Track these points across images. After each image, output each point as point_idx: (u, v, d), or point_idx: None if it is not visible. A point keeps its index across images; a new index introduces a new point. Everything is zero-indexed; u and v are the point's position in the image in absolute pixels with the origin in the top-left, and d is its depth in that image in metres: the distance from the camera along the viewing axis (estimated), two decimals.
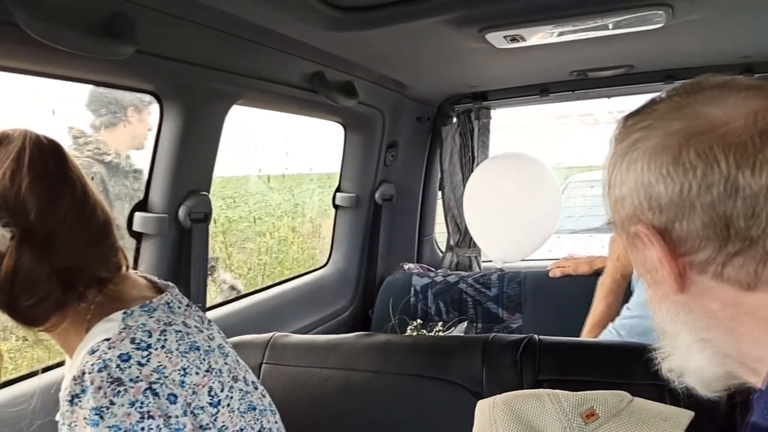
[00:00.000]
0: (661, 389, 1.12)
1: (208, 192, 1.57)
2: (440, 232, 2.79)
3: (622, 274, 1.63)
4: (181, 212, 1.49)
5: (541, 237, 2.30)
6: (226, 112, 1.57)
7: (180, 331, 0.89)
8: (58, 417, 0.82)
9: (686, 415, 1.01)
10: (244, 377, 1.00)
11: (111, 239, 0.93)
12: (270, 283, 2.14)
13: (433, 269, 2.50)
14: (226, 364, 0.95)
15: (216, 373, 0.91)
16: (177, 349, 0.86)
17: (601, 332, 1.50)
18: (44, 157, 0.87)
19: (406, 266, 2.47)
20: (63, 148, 0.92)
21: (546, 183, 2.30)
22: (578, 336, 2.02)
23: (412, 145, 2.51)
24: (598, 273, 2.09)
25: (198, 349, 0.90)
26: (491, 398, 1.09)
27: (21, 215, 0.82)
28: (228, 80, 1.49)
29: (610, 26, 1.47)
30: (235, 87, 1.54)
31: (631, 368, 1.16)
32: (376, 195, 2.39)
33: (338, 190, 2.37)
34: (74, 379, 0.78)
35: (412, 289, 2.30)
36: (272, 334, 1.45)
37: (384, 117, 2.25)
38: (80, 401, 0.76)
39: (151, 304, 0.91)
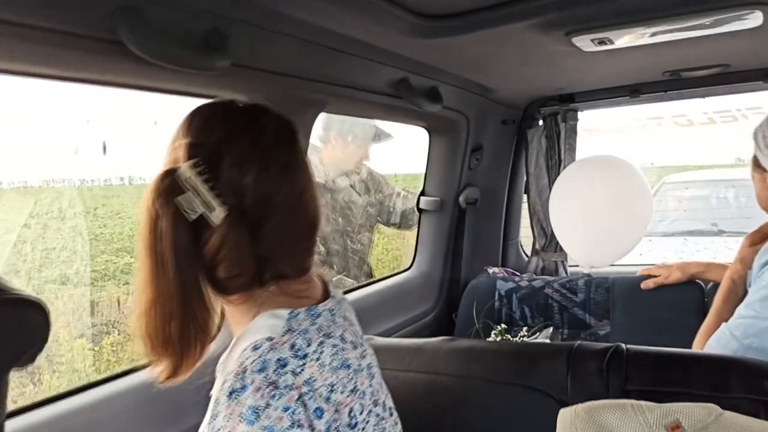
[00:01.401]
0: (756, 404, 1.08)
1: None
2: (525, 236, 2.76)
3: (740, 276, 1.55)
4: None
5: (630, 242, 2.23)
6: (314, 119, 1.62)
7: (336, 346, 0.89)
8: (212, 392, 0.87)
9: None
10: (384, 402, 1.00)
11: (311, 241, 0.96)
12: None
13: (518, 273, 2.47)
14: (370, 386, 0.95)
15: (359, 394, 0.91)
16: (330, 364, 0.87)
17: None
18: (278, 142, 0.91)
19: (491, 270, 2.46)
20: (297, 132, 0.96)
21: (635, 185, 2.23)
22: (670, 345, 1.96)
23: (497, 149, 2.50)
24: (692, 280, 2.02)
25: (349, 367, 0.90)
26: (573, 407, 1.08)
27: (240, 196, 0.86)
28: (316, 89, 1.54)
29: (703, 26, 1.41)
30: (322, 95, 1.58)
31: (726, 381, 1.12)
32: (461, 198, 2.39)
33: (422, 194, 2.39)
34: (236, 374, 0.80)
35: (497, 293, 2.29)
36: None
37: (468, 121, 2.25)
38: (239, 397, 0.78)
39: (317, 308, 0.92)
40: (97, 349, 3.17)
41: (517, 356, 1.33)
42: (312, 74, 1.50)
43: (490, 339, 2.08)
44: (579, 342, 1.29)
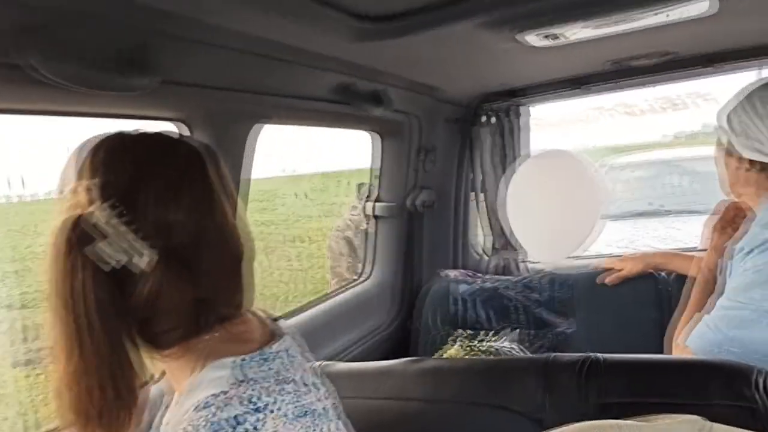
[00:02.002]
0: (742, 410, 1.03)
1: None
2: (480, 235, 2.71)
3: (716, 265, 1.52)
4: None
5: (586, 236, 2.20)
6: (256, 133, 1.52)
7: (298, 391, 0.80)
8: None
9: None
10: None
11: (241, 274, 0.85)
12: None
13: (477, 274, 2.42)
14: (338, 429, 0.86)
15: None
16: (292, 413, 0.77)
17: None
18: (199, 172, 0.81)
19: (448, 273, 2.40)
20: (218, 158, 0.85)
21: (587, 178, 2.20)
22: (635, 339, 1.94)
23: (449, 149, 2.44)
24: (654, 271, 2.00)
25: (313, 413, 0.80)
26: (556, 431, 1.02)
27: (167, 235, 0.76)
28: (254, 101, 1.44)
29: (650, 16, 1.38)
30: (263, 107, 1.49)
31: (708, 387, 1.07)
32: (414, 202, 2.32)
33: (377, 200, 2.30)
34: None
35: (456, 297, 2.23)
36: (318, 363, 1.39)
37: (418, 122, 2.18)
38: None
39: (269, 350, 0.82)
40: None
41: (488, 374, 1.26)
42: (249, 86, 1.40)
43: (455, 347, 2.02)
44: (553, 355, 1.23)
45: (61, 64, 0.94)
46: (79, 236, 0.72)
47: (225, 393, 0.74)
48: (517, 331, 2.09)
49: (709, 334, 1.31)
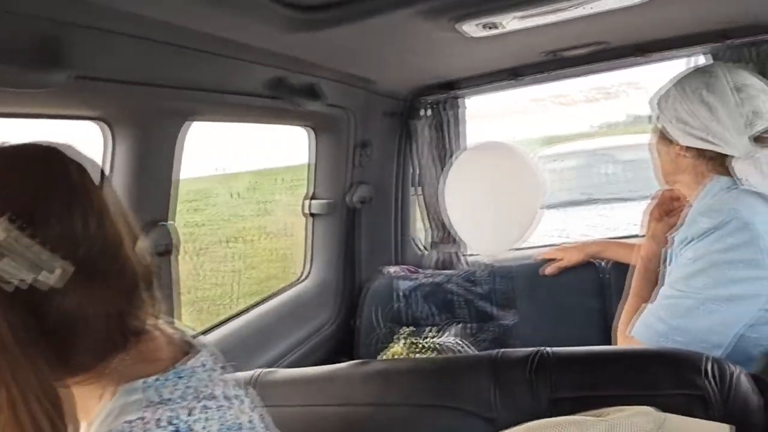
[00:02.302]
0: (690, 398, 1.02)
1: (169, 220, 1.43)
2: (420, 230, 2.68)
3: (653, 253, 1.52)
4: None
5: (525, 227, 2.21)
6: (184, 131, 1.43)
7: (222, 407, 0.74)
8: None
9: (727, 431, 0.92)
10: None
11: (151, 285, 0.79)
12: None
13: (418, 270, 2.39)
14: None
15: None
16: (218, 430, 0.72)
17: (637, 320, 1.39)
18: (89, 182, 0.74)
19: (389, 270, 2.36)
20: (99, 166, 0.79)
21: (524, 169, 2.21)
22: (575, 329, 1.96)
23: (384, 143, 2.40)
24: (591, 260, 2.01)
25: (240, 426, 0.75)
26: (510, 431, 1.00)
27: (76, 246, 0.69)
28: (179, 96, 1.36)
29: (590, 5, 1.37)
30: (190, 103, 1.41)
31: (656, 377, 1.06)
32: (352, 198, 2.26)
33: (312, 197, 2.24)
34: None
35: (398, 293, 2.19)
36: (257, 371, 1.32)
37: (353, 117, 2.13)
38: None
39: (184, 367, 0.76)
40: None
41: (436, 374, 1.22)
42: (173, 81, 1.32)
43: (398, 344, 1.98)
44: (502, 351, 1.20)
45: None
46: None
47: (141, 419, 0.67)
48: (459, 325, 2.07)
49: (654, 324, 1.30)
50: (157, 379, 0.72)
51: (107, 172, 1.31)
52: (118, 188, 1.31)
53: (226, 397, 0.77)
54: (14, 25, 0.93)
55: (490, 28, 1.40)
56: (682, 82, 1.40)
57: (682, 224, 1.38)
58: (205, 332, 1.74)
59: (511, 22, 1.39)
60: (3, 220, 0.65)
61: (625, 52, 2.08)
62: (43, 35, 0.96)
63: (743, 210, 1.24)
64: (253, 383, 1.28)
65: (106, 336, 0.72)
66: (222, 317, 1.88)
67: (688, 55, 2.06)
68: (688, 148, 1.38)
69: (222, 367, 0.83)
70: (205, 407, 0.72)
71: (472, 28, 1.40)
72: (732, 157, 1.31)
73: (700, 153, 1.36)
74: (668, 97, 1.39)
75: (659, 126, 1.43)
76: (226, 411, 0.74)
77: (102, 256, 0.72)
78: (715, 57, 2.03)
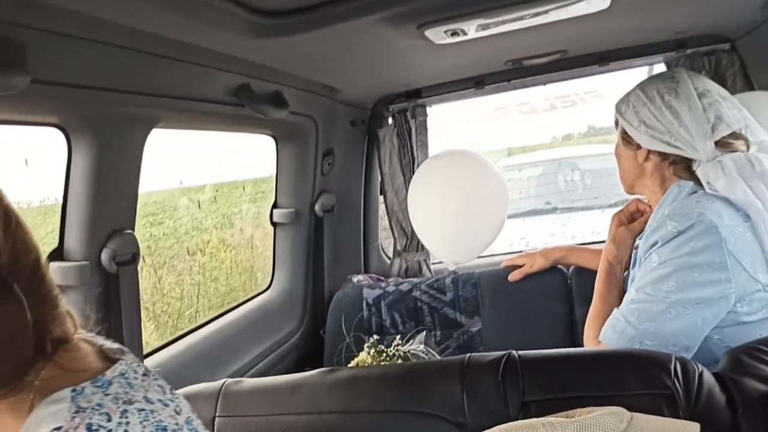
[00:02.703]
0: (658, 398, 1.04)
1: (133, 229, 1.40)
2: (385, 238, 2.68)
3: (616, 258, 1.53)
4: (104, 256, 1.32)
5: (490, 234, 2.22)
6: (144, 139, 1.40)
7: (144, 410, 0.74)
8: None
9: (695, 429, 0.93)
10: None
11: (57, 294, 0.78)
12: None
13: (383, 278, 2.38)
14: None
15: None
16: None
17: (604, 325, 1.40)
18: None
19: (355, 278, 2.35)
20: None
21: (489, 176, 2.22)
22: (541, 334, 1.97)
23: (349, 152, 2.39)
24: (555, 265, 2.03)
25: (165, 429, 0.74)
26: None
27: None
28: (143, 103, 1.33)
29: (553, 12, 1.39)
30: (152, 110, 1.38)
31: (623, 377, 1.08)
32: (317, 207, 2.25)
33: (275, 206, 2.22)
34: None
35: (364, 302, 2.18)
36: (223, 381, 1.29)
37: (317, 125, 2.12)
38: None
39: (104, 377, 0.75)
40: None
41: (405, 380, 1.21)
42: (137, 87, 1.29)
43: (362, 354, 1.96)
44: (470, 355, 1.20)
45: None
46: None
47: (58, 429, 0.67)
48: (423, 333, 2.06)
49: (623, 329, 1.31)
50: (73, 390, 0.71)
51: (65, 179, 1.28)
52: (80, 196, 1.28)
53: (148, 400, 0.76)
54: None
55: (455, 34, 1.41)
56: (645, 86, 1.42)
57: (644, 230, 1.40)
58: (167, 345, 1.71)
59: (474, 29, 1.40)
60: None
61: (584, 61, 2.12)
62: (1, 36, 0.93)
63: (709, 213, 1.26)
64: (221, 393, 1.26)
65: (26, 348, 0.70)
66: (185, 331, 1.85)
67: (646, 64, 2.12)
68: (651, 152, 1.40)
69: (144, 374, 0.82)
70: (127, 411, 0.71)
71: (437, 35, 1.41)
72: (696, 161, 1.34)
73: (664, 157, 1.39)
74: (633, 102, 1.42)
75: (623, 131, 1.45)
76: (150, 414, 0.74)
77: (13, 265, 0.71)
78: (671, 66, 2.08)
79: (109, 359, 0.81)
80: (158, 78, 1.33)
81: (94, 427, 0.67)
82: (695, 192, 1.34)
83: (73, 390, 0.71)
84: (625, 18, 1.63)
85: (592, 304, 1.51)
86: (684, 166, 1.37)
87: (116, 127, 1.30)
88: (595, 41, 1.97)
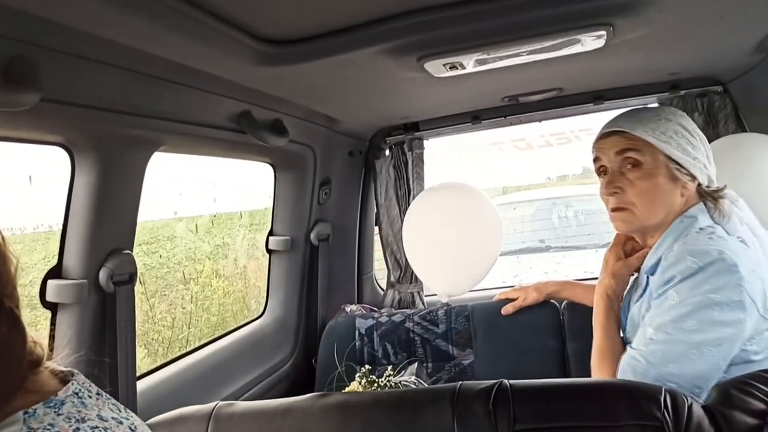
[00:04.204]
0: (645, 429, 1.05)
1: (132, 250, 1.41)
2: (379, 269, 2.69)
3: (614, 292, 1.51)
4: (102, 275, 1.33)
5: (484, 267, 2.23)
6: (146, 161, 1.42)
7: (97, 428, 0.74)
8: None
9: None
10: None
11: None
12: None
13: (376, 309, 2.38)
14: None
15: None
16: None
17: (620, 363, 1.35)
18: None
19: (348, 308, 2.35)
20: None
21: (484, 210, 2.24)
22: (533, 367, 1.96)
23: (346, 182, 2.42)
24: (548, 299, 2.03)
25: None
26: None
27: None
28: (147, 125, 1.35)
29: (552, 49, 1.43)
30: (155, 132, 1.40)
31: (615, 408, 1.08)
32: (312, 236, 2.26)
33: (271, 233, 2.23)
34: None
35: (357, 332, 2.18)
36: (215, 403, 1.29)
37: (315, 154, 2.15)
38: None
39: (56, 398, 0.76)
40: None
41: (397, 406, 1.21)
42: (142, 110, 1.32)
43: (353, 383, 1.95)
44: (461, 383, 1.21)
45: None
46: None
47: None
48: (415, 364, 2.06)
49: (644, 370, 1.28)
50: (26, 412, 0.72)
51: (67, 197, 1.30)
52: (81, 214, 1.29)
53: (101, 418, 0.77)
54: None
55: (453, 68, 1.44)
56: (680, 119, 1.39)
57: (641, 265, 1.41)
58: (159, 367, 1.70)
59: (473, 63, 1.44)
60: None
61: (580, 99, 2.17)
62: (12, 55, 0.95)
63: (728, 252, 1.24)
64: (212, 416, 1.26)
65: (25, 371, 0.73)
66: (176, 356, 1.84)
67: (640, 104, 2.16)
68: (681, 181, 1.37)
69: (98, 393, 0.83)
70: (78, 430, 0.72)
71: (436, 68, 1.44)
72: (710, 198, 1.36)
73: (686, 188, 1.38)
74: (672, 135, 1.36)
75: (675, 164, 1.37)
76: (102, 430, 0.75)
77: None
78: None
79: (61, 380, 0.81)
80: (163, 101, 1.36)
81: None
82: (703, 228, 1.33)
83: (26, 412, 0.71)
84: (620, 58, 1.68)
85: (595, 338, 1.47)
86: (695, 202, 1.38)
87: (120, 148, 1.32)
88: (591, 80, 2.02)
